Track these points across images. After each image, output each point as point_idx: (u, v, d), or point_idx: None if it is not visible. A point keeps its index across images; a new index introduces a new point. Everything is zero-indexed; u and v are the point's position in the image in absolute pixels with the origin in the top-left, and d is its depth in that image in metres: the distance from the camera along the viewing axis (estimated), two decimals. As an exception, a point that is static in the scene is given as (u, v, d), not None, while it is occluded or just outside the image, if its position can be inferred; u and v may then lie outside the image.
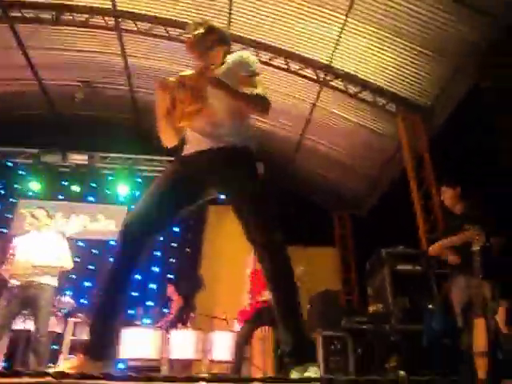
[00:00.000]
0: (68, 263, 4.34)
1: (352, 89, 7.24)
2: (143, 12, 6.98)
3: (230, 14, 6.74)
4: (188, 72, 2.00)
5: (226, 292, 7.53)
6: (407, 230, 6.97)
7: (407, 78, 6.87)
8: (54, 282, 4.21)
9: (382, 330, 4.78)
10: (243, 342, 4.53)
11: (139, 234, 1.94)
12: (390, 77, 6.97)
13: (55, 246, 4.31)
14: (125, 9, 6.94)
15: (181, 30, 6.95)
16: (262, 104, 2.05)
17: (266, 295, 4.58)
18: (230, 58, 2.20)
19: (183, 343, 5.62)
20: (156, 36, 7.12)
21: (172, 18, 6.97)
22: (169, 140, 2.14)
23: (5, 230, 8.61)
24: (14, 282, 4.14)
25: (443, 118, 6.92)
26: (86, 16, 6.95)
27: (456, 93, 6.51)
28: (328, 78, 7.23)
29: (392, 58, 6.60)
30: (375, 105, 7.28)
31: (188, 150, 2.11)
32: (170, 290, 7.13)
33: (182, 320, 6.43)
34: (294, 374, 1.75)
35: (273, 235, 1.91)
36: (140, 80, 8.35)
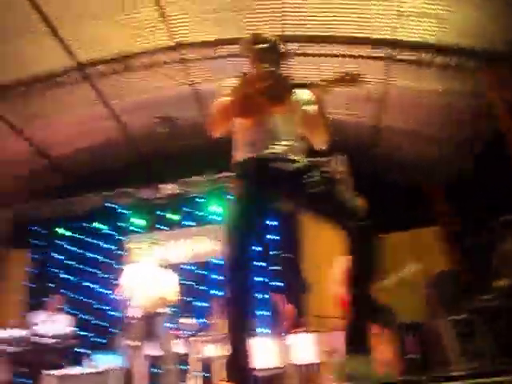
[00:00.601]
0: (176, 297, 4.70)
1: (423, 57, 6.82)
2: (199, 39, 7.27)
3: (283, 14, 6.75)
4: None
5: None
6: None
7: (481, 29, 6.32)
8: (167, 310, 4.61)
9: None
10: None
11: (246, 259, 2.05)
12: (463, 32, 6.45)
13: (165, 280, 4.70)
14: (184, 41, 7.28)
15: (236, 46, 7.11)
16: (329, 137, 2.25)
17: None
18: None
19: (304, 348, 5.65)
20: (218, 58, 7.35)
21: (228, 37, 7.16)
22: (220, 130, 2.28)
23: (118, 266, 9.44)
24: (138, 313, 4.53)
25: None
26: (151, 56, 7.41)
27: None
28: (395, 52, 6.90)
29: (460, 10, 6.11)
30: (452, 66, 6.77)
31: (247, 156, 2.18)
32: (277, 298, 7.23)
33: (296, 325, 6.48)
34: None
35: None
36: (210, 102, 8.66)
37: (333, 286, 4.73)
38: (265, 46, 2.28)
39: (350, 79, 1.96)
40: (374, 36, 6.84)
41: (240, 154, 2.23)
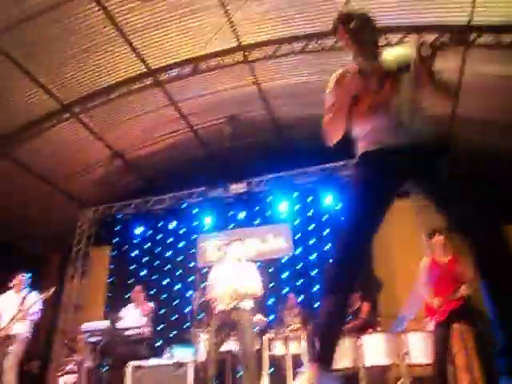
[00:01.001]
0: (260, 290, 4.72)
1: (504, 39, 6.29)
2: (265, 38, 7.31)
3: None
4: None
5: (406, 290, 7.17)
6: None
7: None
8: (250, 305, 4.62)
9: None
10: (442, 349, 4.21)
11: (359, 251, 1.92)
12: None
13: (249, 274, 4.74)
14: (248, 42, 7.37)
15: (303, 42, 7.07)
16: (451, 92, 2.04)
17: (462, 291, 4.20)
18: (394, 52, 2.11)
19: (377, 348, 5.47)
20: (282, 55, 7.36)
21: (291, 34, 7.13)
22: (337, 134, 2.07)
23: (192, 264, 9.80)
24: (219, 308, 4.64)
25: None
26: (218, 59, 7.59)
27: None
28: (471, 37, 6.44)
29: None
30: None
31: (369, 147, 1.99)
32: (354, 297, 7.10)
33: (371, 325, 6.30)
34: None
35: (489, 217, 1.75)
36: (276, 100, 8.70)
37: (419, 288, 4.53)
38: (357, 24, 2.03)
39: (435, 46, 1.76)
40: (450, 20, 6.43)
41: (362, 146, 2.03)
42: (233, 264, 4.80)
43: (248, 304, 4.58)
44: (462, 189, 1.83)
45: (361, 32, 2.05)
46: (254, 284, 4.66)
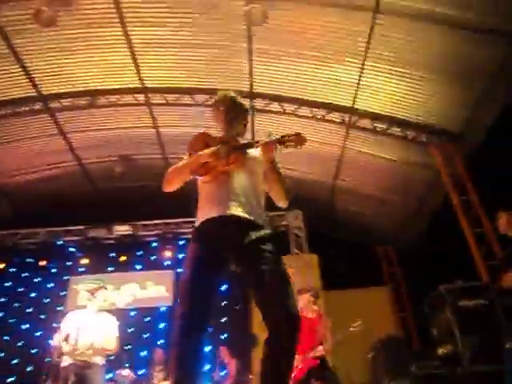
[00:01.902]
0: (115, 346, 4.44)
1: (379, 126, 7.26)
2: (170, 85, 7.41)
3: (252, 73, 7.04)
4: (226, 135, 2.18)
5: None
6: (461, 260, 6.67)
7: (433, 107, 6.86)
8: (103, 361, 4.33)
9: (455, 373, 4.47)
10: None
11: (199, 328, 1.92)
12: (416, 109, 6.98)
13: (107, 328, 4.43)
14: (152, 85, 7.40)
15: (207, 96, 7.32)
16: (288, 195, 2.23)
17: (319, 350, 4.41)
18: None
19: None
20: (184, 105, 7.49)
21: (197, 86, 7.35)
22: (173, 185, 2.21)
23: (60, 308, 8.86)
24: (67, 361, 4.22)
25: (477, 140, 6.79)
26: (118, 96, 7.44)
27: (486, 113, 6.42)
28: (353, 119, 7.31)
29: (414, 90, 6.64)
30: (405, 138, 7.25)
31: (205, 216, 2.08)
32: (223, 352, 7.02)
33: (243, 383, 6.26)
34: None
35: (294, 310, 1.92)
36: (172, 146, 8.71)
37: None
38: (228, 103, 2.29)
39: (296, 140, 1.97)
40: (336, 102, 7.24)
41: (200, 214, 2.12)
42: (92, 315, 4.46)
43: (99, 360, 4.27)
44: (272, 279, 1.91)
45: (229, 112, 2.30)
46: (109, 339, 4.36)
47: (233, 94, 2.36)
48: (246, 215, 2.02)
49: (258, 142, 2.12)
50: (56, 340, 4.60)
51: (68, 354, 4.19)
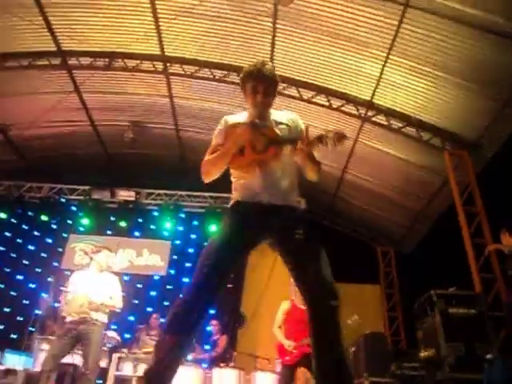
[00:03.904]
0: (119, 304, 4.45)
1: (395, 124, 7.17)
2: (189, 56, 7.35)
3: (273, 53, 6.95)
4: (260, 122, 2.09)
5: (268, 330, 7.40)
6: (457, 269, 6.64)
7: (452, 112, 6.74)
8: (105, 319, 4.32)
9: (434, 377, 4.50)
10: None
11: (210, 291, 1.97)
12: (434, 111, 6.86)
13: (110, 286, 4.45)
14: (172, 54, 7.33)
15: (225, 72, 7.25)
16: (320, 171, 2.17)
17: None
18: (284, 116, 2.25)
19: (225, 383, 5.52)
20: (201, 78, 7.43)
21: (217, 60, 7.27)
22: (213, 175, 2.17)
23: (56, 264, 8.99)
24: (68, 317, 4.27)
25: (492, 151, 6.70)
26: (137, 62, 7.39)
27: (505, 126, 6.31)
28: (370, 113, 7.22)
29: (435, 92, 6.52)
30: (420, 140, 7.14)
31: (242, 197, 2.13)
32: (214, 326, 7.09)
33: (225, 359, 6.34)
34: None
35: (331, 288, 1.96)
36: (186, 119, 8.69)
37: (275, 330, 4.68)
38: (259, 75, 2.14)
39: (337, 138, 1.94)
40: (355, 94, 7.15)
41: (236, 195, 2.16)
42: (94, 273, 4.48)
43: (101, 317, 4.27)
44: (308, 256, 2.00)
45: (265, 90, 2.17)
46: (113, 296, 4.38)
47: (260, 66, 2.19)
48: (281, 202, 2.07)
49: (297, 140, 2.05)
50: (52, 298, 4.65)
51: (70, 310, 4.22)
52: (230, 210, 2.16)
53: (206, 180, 2.20)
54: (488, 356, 3.54)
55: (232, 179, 2.23)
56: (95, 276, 4.46)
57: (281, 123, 2.20)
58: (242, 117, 2.26)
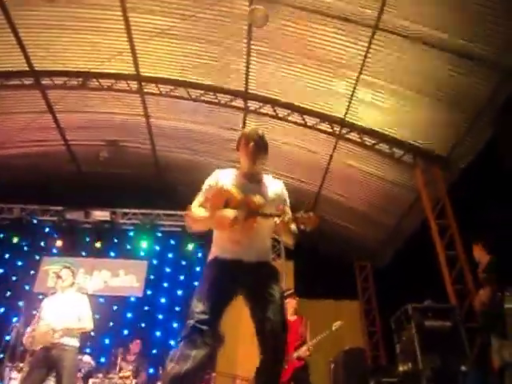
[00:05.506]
0: (88, 325, 4.31)
1: (368, 141, 7.34)
2: (165, 75, 7.38)
3: (248, 73, 7.05)
4: (256, 197, 2.23)
5: (247, 349, 7.31)
6: (432, 282, 6.76)
7: (423, 128, 6.95)
8: (76, 343, 4.17)
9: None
10: None
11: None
12: (405, 128, 7.06)
13: (76, 307, 4.29)
14: (147, 74, 7.36)
15: (201, 91, 7.31)
16: (295, 241, 2.38)
17: (302, 351, 4.54)
18: (272, 184, 2.47)
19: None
20: (177, 97, 7.45)
21: (192, 80, 7.33)
22: (197, 230, 2.37)
23: (27, 287, 8.70)
24: (36, 346, 4.11)
25: (463, 164, 6.91)
26: (112, 81, 7.37)
27: (474, 141, 6.54)
28: (343, 131, 7.37)
29: (406, 110, 6.72)
30: (392, 156, 7.33)
31: (221, 254, 2.31)
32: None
33: (202, 380, 6.22)
34: None
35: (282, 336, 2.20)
36: (162, 138, 8.66)
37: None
38: (257, 141, 2.38)
39: (310, 221, 2.05)
40: (329, 112, 7.30)
41: (215, 250, 2.35)
42: (58, 296, 4.33)
43: (71, 341, 4.11)
44: (263, 302, 2.22)
45: (257, 153, 2.40)
46: (81, 317, 4.22)
47: (261, 132, 2.45)
48: (254, 259, 2.28)
49: (275, 214, 2.23)
50: (29, 327, 4.48)
51: (40, 337, 4.07)
52: (208, 264, 2.33)
53: (192, 231, 2.42)
54: (462, 368, 3.60)
55: (213, 237, 2.42)
56: (60, 299, 4.31)
57: (270, 191, 2.40)
58: (233, 173, 2.44)
